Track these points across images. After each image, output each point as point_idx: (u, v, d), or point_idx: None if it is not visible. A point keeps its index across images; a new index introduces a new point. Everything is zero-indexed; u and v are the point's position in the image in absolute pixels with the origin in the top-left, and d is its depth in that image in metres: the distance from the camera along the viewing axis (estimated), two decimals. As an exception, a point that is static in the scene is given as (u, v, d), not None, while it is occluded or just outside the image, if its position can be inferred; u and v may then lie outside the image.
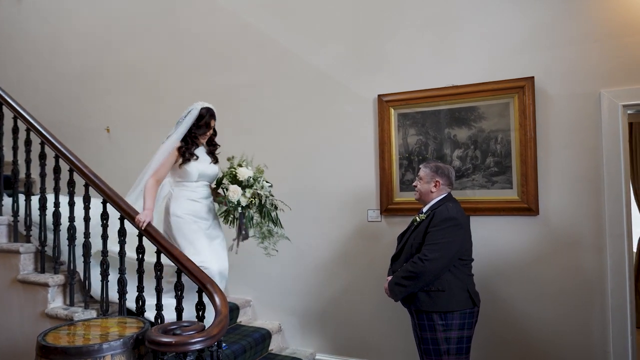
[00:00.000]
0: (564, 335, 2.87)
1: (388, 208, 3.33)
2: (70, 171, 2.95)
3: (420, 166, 2.71)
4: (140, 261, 2.65)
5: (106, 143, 4.48)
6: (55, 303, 2.90)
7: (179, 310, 2.51)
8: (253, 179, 2.83)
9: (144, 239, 2.64)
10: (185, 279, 2.47)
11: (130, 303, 2.71)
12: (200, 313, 2.44)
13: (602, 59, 2.79)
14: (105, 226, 2.79)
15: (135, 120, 4.35)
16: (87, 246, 2.83)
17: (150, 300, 2.68)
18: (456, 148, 3.14)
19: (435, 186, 2.60)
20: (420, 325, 2.47)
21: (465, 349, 2.43)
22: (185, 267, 2.45)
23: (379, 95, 3.35)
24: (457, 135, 3.14)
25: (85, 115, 4.59)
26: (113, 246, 2.76)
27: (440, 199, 2.59)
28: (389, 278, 2.58)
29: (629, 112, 2.82)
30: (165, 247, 2.54)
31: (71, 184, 2.94)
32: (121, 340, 2.09)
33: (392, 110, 3.31)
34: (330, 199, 3.54)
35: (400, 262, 2.57)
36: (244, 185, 2.81)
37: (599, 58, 2.80)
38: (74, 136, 4.19)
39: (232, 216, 2.91)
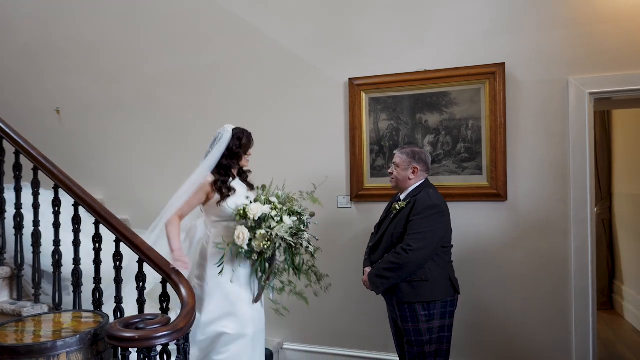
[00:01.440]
0: (531, 317, 2.92)
1: (358, 194, 3.27)
2: (17, 154, 2.69)
3: (396, 152, 2.59)
4: (97, 251, 2.46)
5: (56, 125, 4.16)
6: (1, 298, 2.66)
7: (141, 302, 2.35)
8: (270, 216, 2.28)
9: (101, 226, 2.45)
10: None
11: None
12: (165, 305, 2.30)
13: (571, 47, 2.83)
14: (57, 214, 2.57)
15: (89, 102, 4.06)
16: (36, 235, 2.61)
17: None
18: (427, 134, 3.11)
19: (413, 172, 2.50)
20: (402, 316, 2.39)
21: (446, 338, 2.39)
22: (147, 256, 2.29)
23: (350, 79, 3.26)
24: (428, 120, 3.11)
25: (31, 95, 4.24)
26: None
27: (419, 185, 2.50)
28: (367, 270, 2.51)
29: (594, 98, 2.88)
30: (124, 235, 2.36)
31: (17, 167, 2.69)
32: (77, 336, 1.92)
33: (363, 95, 3.24)
34: (299, 185, 3.41)
35: (379, 252, 2.48)
36: (252, 227, 2.29)
37: (567, 45, 2.83)
38: (19, 117, 3.86)
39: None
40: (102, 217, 2.42)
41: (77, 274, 2.50)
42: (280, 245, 2.27)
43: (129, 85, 3.92)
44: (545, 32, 2.87)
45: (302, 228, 2.35)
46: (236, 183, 2.51)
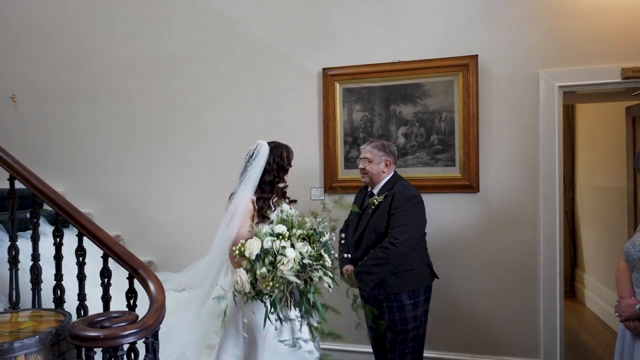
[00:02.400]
0: (501, 306, 2.98)
1: (332, 186, 3.23)
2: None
3: (366, 146, 2.54)
4: (58, 246, 2.32)
5: (12, 113, 3.92)
6: (-49, 297, 2.48)
7: (106, 299, 2.23)
8: (272, 251, 1.90)
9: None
10: None
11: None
12: (132, 301, 2.19)
13: (541, 40, 2.87)
14: (12, 207, 2.41)
15: (47, 89, 3.83)
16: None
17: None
18: (401, 125, 3.10)
19: (386, 166, 2.50)
20: (389, 307, 2.40)
21: (423, 322, 2.45)
22: (112, 250, 2.17)
23: (323, 69, 3.21)
24: (402, 112, 3.09)
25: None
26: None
27: (391, 178, 2.51)
28: (349, 267, 2.47)
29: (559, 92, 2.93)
30: (87, 228, 2.23)
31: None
32: (37, 336, 1.80)
33: (337, 85, 3.19)
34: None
35: (361, 249, 2.44)
36: (248, 269, 1.94)
37: (538, 39, 2.87)
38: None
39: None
40: (63, 209, 2.28)
41: (36, 270, 2.35)
42: (286, 287, 1.87)
43: (90, 72, 3.72)
44: (517, 26, 2.90)
45: (323, 253, 1.95)
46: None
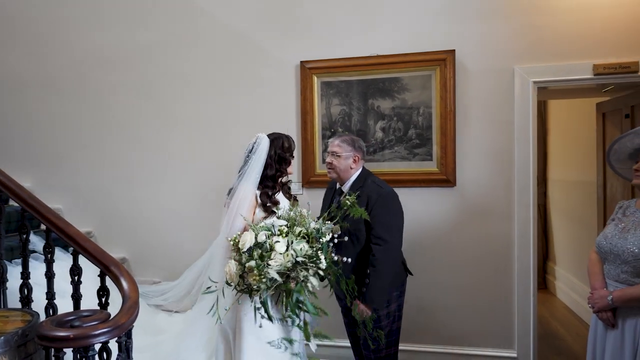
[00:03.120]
0: (476, 298, 3.02)
1: (310, 180, 3.21)
2: None
3: (334, 140, 2.42)
4: (25, 243, 2.23)
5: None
6: None
7: (76, 298, 2.16)
8: (264, 249, 1.87)
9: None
10: None
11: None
12: (104, 300, 2.12)
13: (517, 36, 2.90)
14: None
15: (11, 79, 3.67)
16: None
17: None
18: (379, 119, 3.10)
19: (354, 161, 2.38)
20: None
21: (398, 317, 2.41)
22: (83, 247, 2.10)
23: (301, 62, 3.17)
24: (380, 106, 3.09)
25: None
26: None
27: (360, 175, 2.40)
28: (363, 307, 2.24)
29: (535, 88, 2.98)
30: (56, 224, 2.15)
31: None
32: (2, 338, 1.72)
33: (315, 78, 3.16)
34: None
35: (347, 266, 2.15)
36: (238, 260, 1.92)
37: (514, 35, 2.90)
38: None
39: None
40: (30, 205, 2.18)
41: (1, 267, 2.25)
42: (273, 282, 1.85)
43: (58, 62, 3.59)
44: (494, 21, 2.92)
45: (320, 255, 1.91)
46: (280, 196, 2.21)
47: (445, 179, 2.99)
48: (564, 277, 4.70)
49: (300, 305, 1.93)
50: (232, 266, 1.90)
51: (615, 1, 2.74)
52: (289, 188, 2.28)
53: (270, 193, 2.13)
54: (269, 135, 2.22)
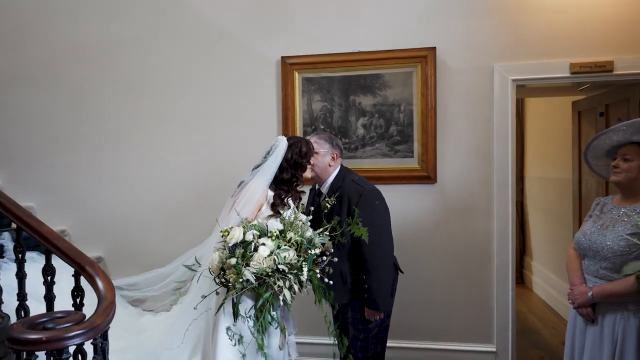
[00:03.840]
0: (456, 294, 3.04)
1: (291, 177, 3.17)
2: None
3: (311, 137, 2.35)
4: (-6, 242, 2.14)
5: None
6: None
7: (50, 299, 2.09)
8: (244, 248, 1.86)
9: (-1, 214, 2.13)
10: None
11: None
12: (78, 300, 2.05)
13: (496, 34, 2.93)
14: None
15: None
16: None
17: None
18: (361, 116, 3.09)
19: (333, 159, 2.29)
20: (351, 305, 2.30)
21: (387, 315, 2.35)
22: (56, 246, 2.03)
23: (282, 57, 3.13)
24: (362, 102, 3.08)
25: None
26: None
27: (338, 173, 2.32)
28: (367, 310, 2.24)
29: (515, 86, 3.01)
30: (27, 222, 2.07)
31: None
32: (-31, 341, 1.64)
33: (296, 74, 3.13)
34: (228, 168, 3.26)
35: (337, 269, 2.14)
36: (224, 258, 1.88)
37: (493, 33, 2.93)
38: None
39: None
40: (-1, 203, 2.10)
41: (-32, 269, 2.16)
42: (245, 285, 1.82)
43: (32, 54, 3.45)
44: (474, 19, 2.94)
45: (303, 267, 1.88)
46: (290, 201, 2.16)
47: (426, 176, 3.01)
48: (541, 272, 4.80)
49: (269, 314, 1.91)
50: (216, 257, 1.89)
51: (592, 2, 2.79)
52: (301, 198, 2.23)
53: (283, 196, 2.12)
54: (288, 139, 2.19)
